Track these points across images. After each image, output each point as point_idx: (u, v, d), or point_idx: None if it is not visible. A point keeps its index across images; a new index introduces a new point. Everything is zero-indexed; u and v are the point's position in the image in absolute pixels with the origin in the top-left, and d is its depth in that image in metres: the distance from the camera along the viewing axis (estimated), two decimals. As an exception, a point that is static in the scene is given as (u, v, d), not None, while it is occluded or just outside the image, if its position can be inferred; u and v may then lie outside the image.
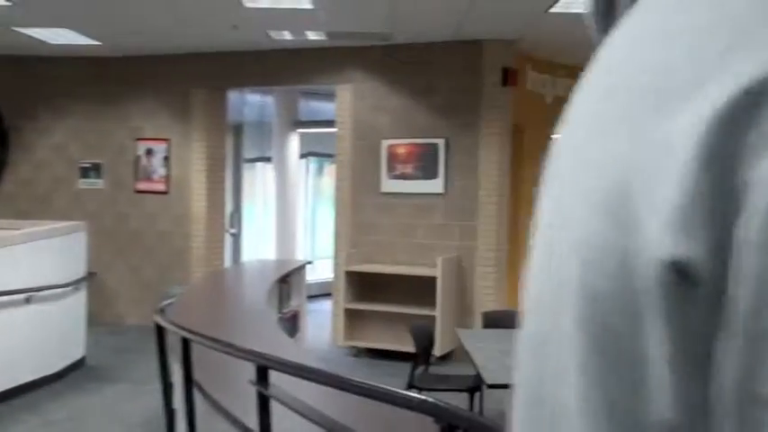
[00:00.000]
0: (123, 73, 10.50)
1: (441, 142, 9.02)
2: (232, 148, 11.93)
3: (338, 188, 9.62)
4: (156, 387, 5.46)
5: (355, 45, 9.23)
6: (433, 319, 8.31)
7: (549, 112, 10.10)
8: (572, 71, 11.24)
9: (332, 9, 7.59)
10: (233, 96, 10.93)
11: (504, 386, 5.08)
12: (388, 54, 9.22)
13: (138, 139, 10.58)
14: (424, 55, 9.10)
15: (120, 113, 10.62)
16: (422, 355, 6.35)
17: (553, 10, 7.34)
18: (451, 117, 9.02)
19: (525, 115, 9.60)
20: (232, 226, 11.80)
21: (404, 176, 9.21)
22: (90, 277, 8.53)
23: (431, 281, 8.54)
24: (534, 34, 8.59)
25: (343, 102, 9.55)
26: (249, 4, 7.35)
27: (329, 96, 10.66)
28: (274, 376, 3.03)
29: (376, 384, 2.51)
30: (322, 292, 11.99)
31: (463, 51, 8.91)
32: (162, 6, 7.63)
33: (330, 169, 12.95)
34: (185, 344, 3.94)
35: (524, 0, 7.21)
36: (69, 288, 7.85)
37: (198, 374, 3.91)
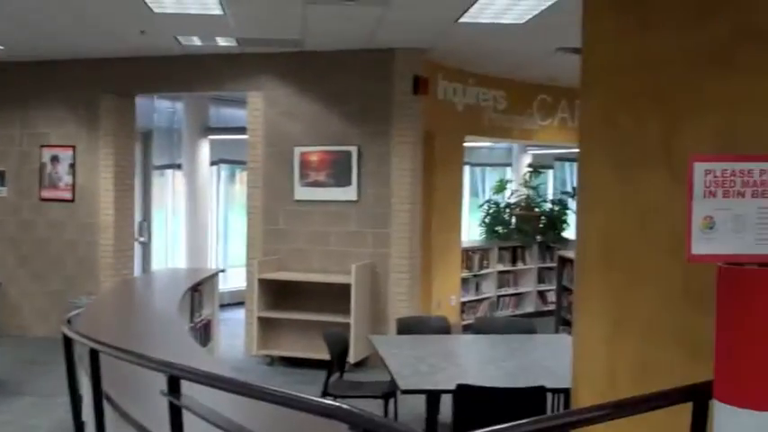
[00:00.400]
0: (27, 78, 10.21)
1: (353, 150, 9.04)
2: (141, 155, 11.74)
3: (250, 196, 9.55)
4: (65, 400, 5.33)
5: (266, 51, 9.18)
6: (347, 326, 8.33)
7: (460, 120, 10.26)
8: (482, 80, 11.51)
9: (242, 15, 7.54)
10: (142, 102, 10.74)
11: (418, 392, 5.12)
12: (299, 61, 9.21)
13: (43, 146, 10.29)
14: (337, 62, 9.12)
15: (24, 120, 10.32)
16: (336, 362, 6.35)
17: (462, 20, 7.45)
18: (364, 125, 9.05)
19: (436, 123, 9.71)
20: (141, 234, 11.60)
21: (317, 184, 9.20)
22: (-8, 288, 8.28)
23: (345, 288, 8.55)
24: (445, 44, 8.70)
25: (255, 109, 9.49)
26: (157, 10, 7.24)
27: (240, 103, 10.58)
28: (186, 386, 2.99)
29: (290, 392, 2.50)
30: (235, 301, 11.87)
31: (375, 59, 8.96)
32: (66, 11, 7.44)
33: (242, 176, 12.86)
34: (94, 355, 3.86)
35: (435, 10, 7.30)
36: (-30, 300, 7.60)
37: (108, 386, 3.84)
